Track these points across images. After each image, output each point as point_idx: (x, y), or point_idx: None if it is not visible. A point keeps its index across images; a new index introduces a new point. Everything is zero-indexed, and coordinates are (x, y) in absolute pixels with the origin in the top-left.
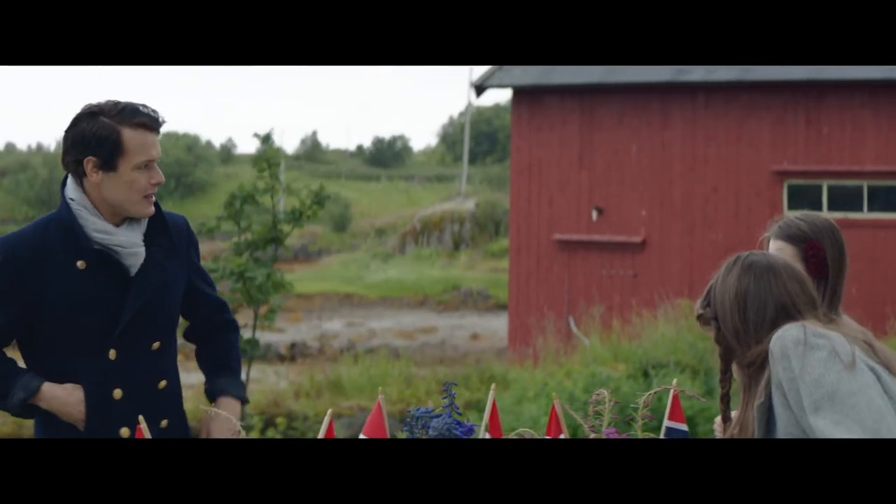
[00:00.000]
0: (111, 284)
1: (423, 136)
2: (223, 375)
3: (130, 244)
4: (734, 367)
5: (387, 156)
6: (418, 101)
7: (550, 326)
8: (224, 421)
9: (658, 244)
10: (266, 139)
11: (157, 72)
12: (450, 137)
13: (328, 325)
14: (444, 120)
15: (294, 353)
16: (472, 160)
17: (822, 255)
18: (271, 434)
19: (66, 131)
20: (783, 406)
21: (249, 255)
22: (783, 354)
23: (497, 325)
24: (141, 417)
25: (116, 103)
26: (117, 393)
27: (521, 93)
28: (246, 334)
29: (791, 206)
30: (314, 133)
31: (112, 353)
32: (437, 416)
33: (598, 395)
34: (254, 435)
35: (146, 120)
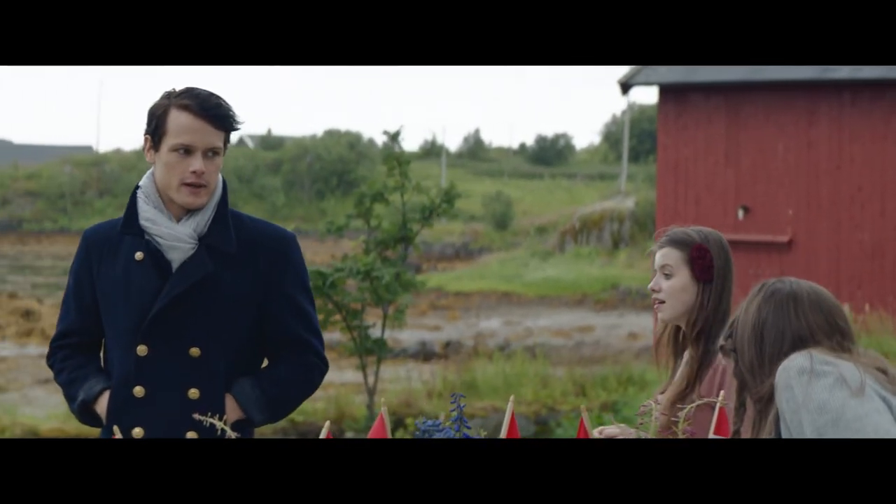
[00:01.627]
0: (154, 278)
1: (585, 135)
2: (252, 385)
3: (172, 237)
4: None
5: (549, 154)
6: (581, 100)
7: None
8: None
9: (805, 244)
10: (395, 137)
11: (326, 71)
12: (612, 136)
13: (485, 324)
14: (607, 118)
15: (448, 352)
16: (635, 158)
17: (708, 257)
18: (400, 435)
19: None
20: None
21: (378, 254)
22: (787, 385)
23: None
24: (116, 428)
25: (184, 88)
26: (138, 391)
27: (666, 91)
28: (374, 334)
29: None
30: (477, 131)
31: (142, 350)
32: (443, 429)
33: (645, 406)
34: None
35: (192, 103)
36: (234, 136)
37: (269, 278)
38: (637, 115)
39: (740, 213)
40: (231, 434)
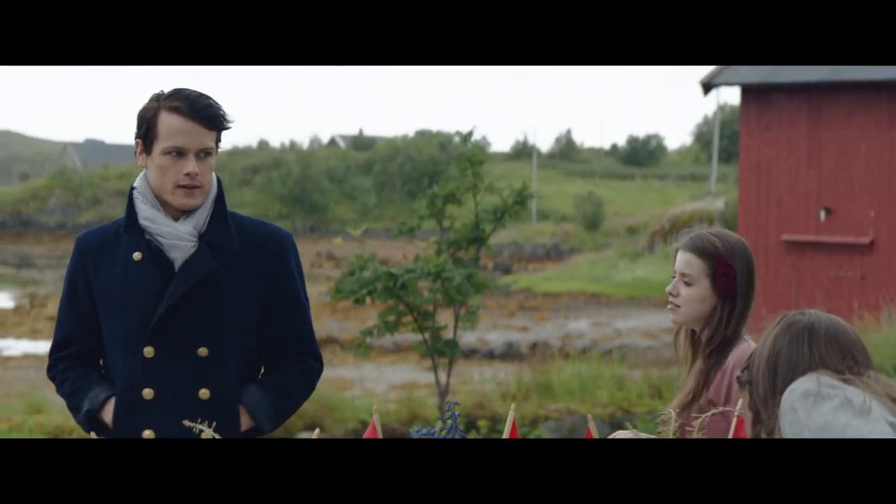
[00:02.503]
0: (156, 278)
1: (678, 135)
2: (262, 394)
3: (173, 236)
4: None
5: (641, 154)
6: (673, 100)
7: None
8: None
9: (886, 245)
10: (467, 137)
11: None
12: (704, 136)
13: (573, 325)
14: (699, 119)
15: (534, 353)
16: (726, 159)
17: (732, 274)
18: (472, 436)
19: None
20: None
21: (450, 255)
22: (791, 407)
23: None
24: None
25: (173, 90)
26: (147, 393)
27: (748, 91)
28: (447, 335)
29: None
30: (568, 132)
31: (149, 351)
32: (437, 439)
33: (664, 415)
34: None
35: (182, 104)
36: (324, 136)
37: (271, 279)
38: (728, 116)
39: (822, 215)
40: (214, 436)
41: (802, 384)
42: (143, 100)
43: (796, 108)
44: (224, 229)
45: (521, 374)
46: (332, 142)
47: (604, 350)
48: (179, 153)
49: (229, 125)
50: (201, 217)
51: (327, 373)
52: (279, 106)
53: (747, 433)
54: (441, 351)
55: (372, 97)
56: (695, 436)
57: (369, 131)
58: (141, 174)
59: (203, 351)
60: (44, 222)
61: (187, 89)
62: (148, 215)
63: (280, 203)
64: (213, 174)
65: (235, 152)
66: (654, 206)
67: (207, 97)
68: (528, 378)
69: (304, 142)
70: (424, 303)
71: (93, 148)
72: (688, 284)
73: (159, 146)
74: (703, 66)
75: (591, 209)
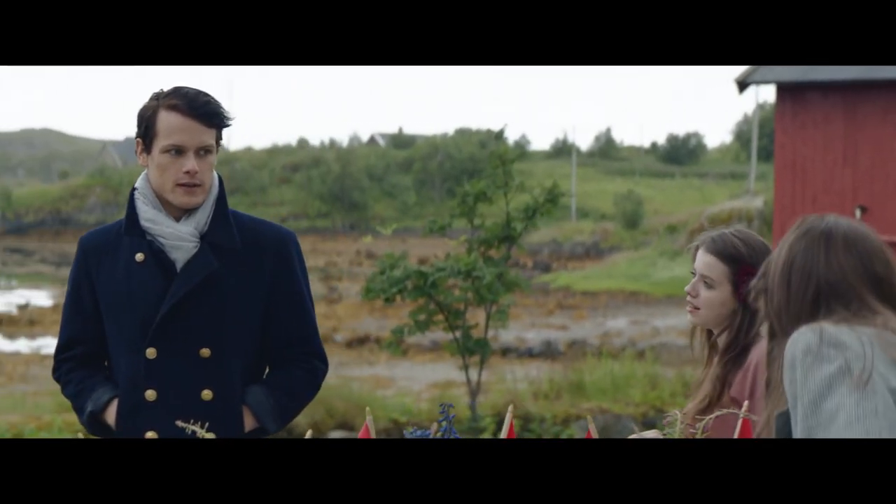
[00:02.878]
0: (159, 279)
1: (717, 133)
2: (266, 394)
3: (174, 236)
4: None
5: (681, 153)
6: (713, 98)
7: None
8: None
9: None
10: (499, 136)
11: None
12: (744, 134)
13: (612, 323)
14: (739, 117)
15: (572, 351)
16: (766, 157)
17: None
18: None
19: None
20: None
21: (481, 254)
22: (791, 364)
23: None
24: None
25: (172, 88)
26: (150, 394)
27: (784, 89)
28: (477, 334)
29: None
30: (608, 130)
31: (151, 352)
32: (432, 440)
33: (670, 415)
34: (486, 436)
35: (181, 102)
36: (364, 135)
37: (274, 279)
38: (768, 114)
39: (857, 213)
40: (207, 436)
41: (805, 336)
42: None
43: (831, 106)
44: (226, 229)
45: (554, 373)
46: (372, 140)
47: (641, 349)
48: (179, 151)
49: (229, 122)
50: (202, 217)
51: (365, 371)
52: (319, 104)
53: (756, 410)
54: (472, 349)
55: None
56: (698, 436)
57: (409, 129)
58: (142, 174)
59: (206, 352)
60: (83, 220)
61: (186, 87)
62: (149, 216)
63: (320, 201)
64: (215, 172)
65: (275, 150)
66: (694, 204)
67: (206, 94)
68: (561, 377)
69: (343, 140)
70: (455, 301)
71: (132, 146)
72: (708, 287)
73: (159, 144)
74: (739, 66)
75: (631, 207)
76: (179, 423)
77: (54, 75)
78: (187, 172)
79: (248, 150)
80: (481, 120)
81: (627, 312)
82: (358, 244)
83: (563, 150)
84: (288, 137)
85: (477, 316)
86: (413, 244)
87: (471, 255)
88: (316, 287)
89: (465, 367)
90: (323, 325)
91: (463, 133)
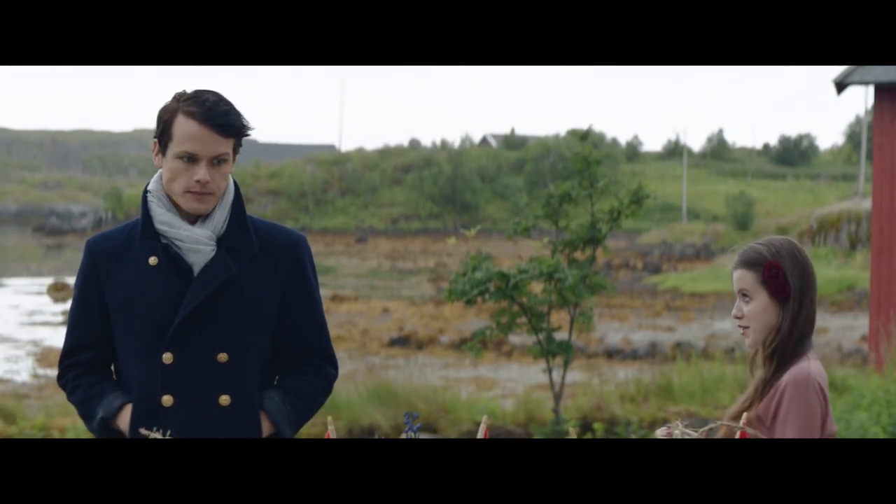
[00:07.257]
0: (174, 283)
1: (830, 135)
2: (283, 400)
3: (192, 240)
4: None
5: (793, 154)
6: (825, 100)
7: None
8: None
9: None
10: (584, 137)
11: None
12: (856, 136)
13: (719, 325)
14: (851, 118)
15: (678, 353)
16: None
17: (782, 274)
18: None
19: None
20: None
21: (564, 256)
22: None
23: None
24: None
25: (194, 91)
26: (167, 399)
27: (882, 90)
28: (559, 336)
29: None
30: (720, 131)
31: (168, 357)
32: (388, 440)
33: (669, 427)
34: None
35: (198, 110)
36: (476, 136)
37: (288, 283)
38: None
39: None
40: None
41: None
42: (298, 99)
43: None
44: (243, 233)
45: (642, 376)
46: (484, 141)
47: (744, 351)
48: (191, 159)
49: (248, 132)
50: (219, 221)
51: (468, 373)
52: (431, 105)
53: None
54: (554, 352)
55: (524, 97)
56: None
57: (521, 130)
58: (156, 175)
59: (223, 357)
60: None
61: (207, 92)
62: (165, 219)
63: (431, 202)
64: (230, 177)
65: (387, 151)
66: (805, 205)
67: (226, 103)
68: (649, 379)
69: (455, 141)
70: (538, 304)
71: (245, 146)
72: (747, 301)
73: (173, 149)
74: (839, 66)
75: (742, 209)
76: (143, 431)
77: (163, 75)
78: (198, 181)
79: (360, 151)
80: (593, 121)
81: None
82: (468, 245)
83: (674, 151)
84: (399, 138)
85: (562, 319)
86: (523, 245)
87: (554, 257)
88: (424, 288)
89: (549, 370)
90: (430, 327)
91: (575, 134)
